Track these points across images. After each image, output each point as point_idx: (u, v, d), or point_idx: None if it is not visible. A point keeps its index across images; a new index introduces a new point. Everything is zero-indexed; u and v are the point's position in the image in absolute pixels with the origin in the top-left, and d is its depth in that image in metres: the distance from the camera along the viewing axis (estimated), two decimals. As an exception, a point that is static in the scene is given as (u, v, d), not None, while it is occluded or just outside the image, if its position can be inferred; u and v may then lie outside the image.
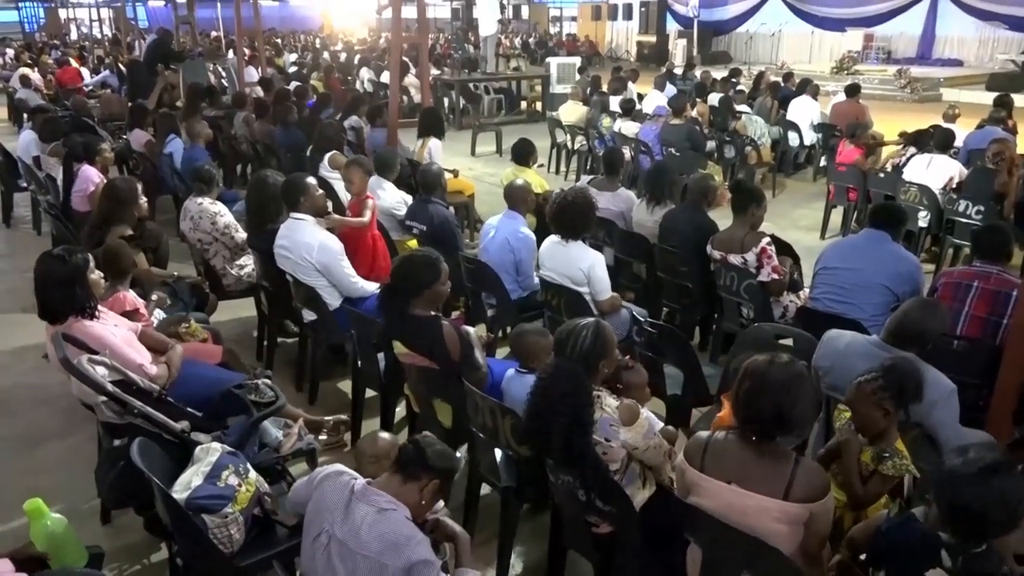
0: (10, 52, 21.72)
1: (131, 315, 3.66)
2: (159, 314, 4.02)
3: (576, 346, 2.62)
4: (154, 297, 4.04)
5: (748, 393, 2.22)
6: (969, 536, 1.92)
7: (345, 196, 6.60)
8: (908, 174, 6.61)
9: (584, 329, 2.64)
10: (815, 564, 2.25)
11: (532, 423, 2.61)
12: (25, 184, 8.00)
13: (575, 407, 2.50)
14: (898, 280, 3.78)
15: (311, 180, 4.58)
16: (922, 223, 6.39)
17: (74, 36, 29.34)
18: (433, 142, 7.27)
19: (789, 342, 3.43)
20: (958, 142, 7.38)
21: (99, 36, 25.75)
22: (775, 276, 4.20)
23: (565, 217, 4.15)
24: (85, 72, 15.54)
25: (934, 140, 6.79)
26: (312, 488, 2.29)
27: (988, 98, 11.39)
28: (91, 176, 6.13)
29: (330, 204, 6.01)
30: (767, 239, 4.25)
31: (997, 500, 1.85)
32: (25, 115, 11.75)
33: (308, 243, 4.32)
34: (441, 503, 2.57)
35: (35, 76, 13.71)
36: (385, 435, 2.83)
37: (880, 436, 2.51)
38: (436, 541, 2.31)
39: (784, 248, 4.60)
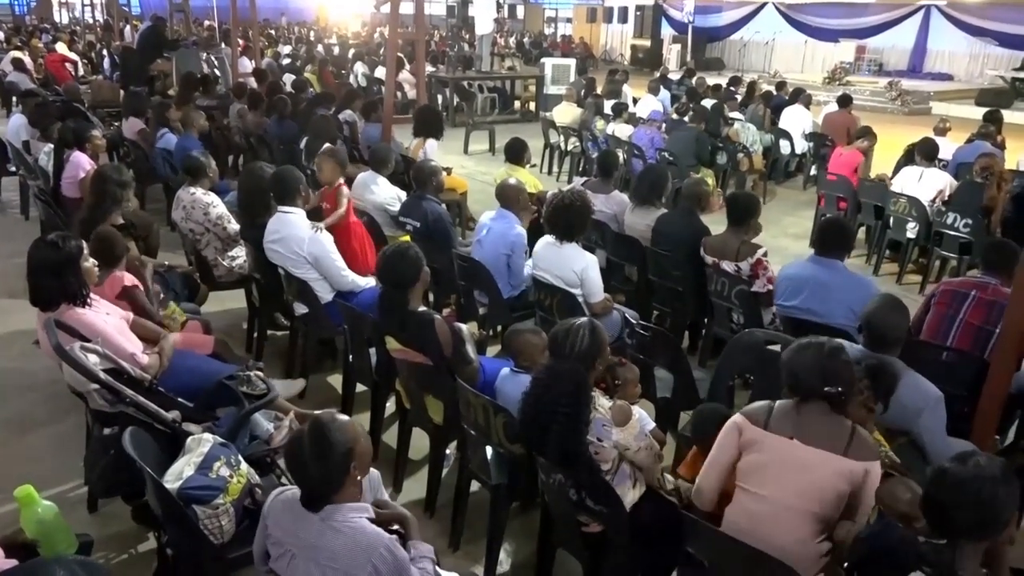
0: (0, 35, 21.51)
1: (132, 291, 3.64)
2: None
3: (575, 345, 2.64)
4: None
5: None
6: (935, 528, 1.95)
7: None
8: (898, 185, 6.67)
9: (581, 329, 2.66)
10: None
11: (529, 423, 2.62)
12: (14, 168, 7.93)
13: (575, 407, 2.52)
14: (860, 308, 3.75)
15: (300, 175, 4.57)
16: (910, 234, 6.46)
17: (65, 20, 29.03)
18: (429, 142, 7.21)
19: (778, 348, 3.46)
20: (948, 155, 7.47)
21: (90, 21, 25.48)
22: (770, 287, 4.23)
23: (562, 219, 4.16)
24: (74, 57, 15.37)
25: (918, 150, 6.84)
26: (265, 518, 2.23)
27: (977, 113, 11.53)
28: (82, 162, 6.09)
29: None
30: (763, 251, 4.28)
31: (970, 501, 1.87)
32: (15, 98, 11.66)
33: (299, 236, 4.31)
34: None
35: (28, 60, 13.51)
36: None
37: None
38: (385, 526, 2.24)
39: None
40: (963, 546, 1.91)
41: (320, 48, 20.02)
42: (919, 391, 2.90)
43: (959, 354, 3.53)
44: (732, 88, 12.47)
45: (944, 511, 1.92)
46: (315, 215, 4.74)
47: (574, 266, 4.15)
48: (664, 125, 9.22)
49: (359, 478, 2.15)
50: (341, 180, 5.19)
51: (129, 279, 3.74)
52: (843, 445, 2.29)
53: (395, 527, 2.33)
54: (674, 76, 15.87)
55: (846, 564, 2.27)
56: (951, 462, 1.96)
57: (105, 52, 16.69)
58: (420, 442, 3.70)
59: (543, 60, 16.40)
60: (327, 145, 6.72)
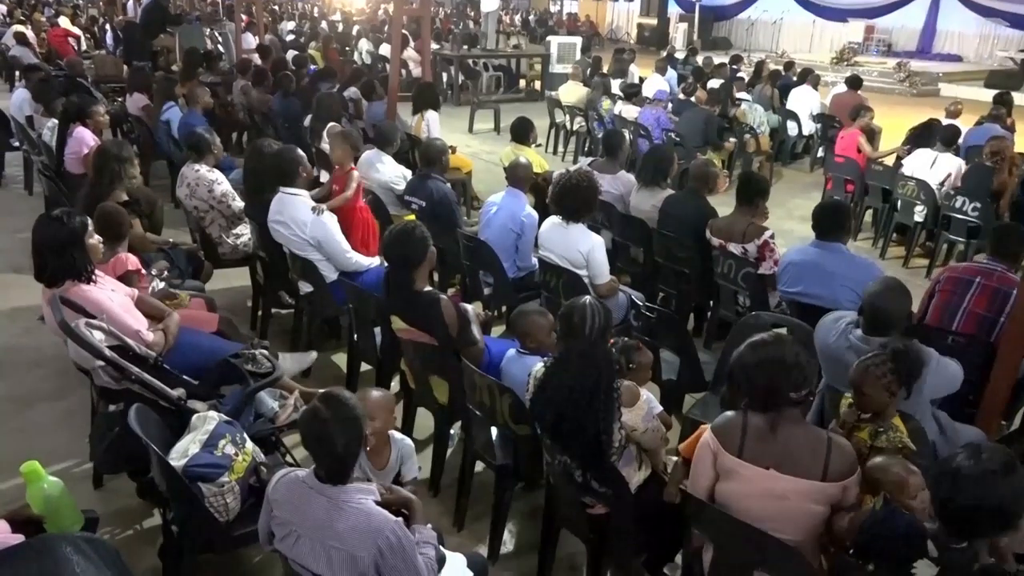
0: (2, 8, 21.33)
1: (132, 275, 3.63)
2: (158, 284, 3.99)
3: (594, 324, 2.58)
4: (154, 271, 4.00)
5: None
6: (955, 532, 1.94)
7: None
8: (909, 169, 6.61)
9: (590, 308, 2.59)
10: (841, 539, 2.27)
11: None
12: (17, 143, 7.89)
13: (610, 396, 2.51)
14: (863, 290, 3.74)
15: (302, 154, 4.54)
16: (918, 218, 6.42)
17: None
18: (430, 115, 7.24)
19: (784, 331, 3.45)
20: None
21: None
22: (776, 270, 4.20)
23: (569, 199, 4.13)
24: (77, 31, 15.24)
25: (940, 136, 6.76)
26: (269, 500, 2.22)
27: (986, 95, 11.41)
28: (85, 138, 6.04)
29: (325, 176, 5.98)
30: (770, 233, 4.25)
31: (995, 505, 1.86)
32: (17, 73, 11.58)
33: (301, 219, 4.28)
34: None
35: (31, 34, 13.41)
36: (375, 392, 2.76)
37: (880, 414, 2.56)
38: (390, 509, 2.23)
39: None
40: (980, 544, 1.92)
41: (324, 25, 19.86)
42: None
43: (966, 338, 3.50)
44: (734, 67, 12.33)
45: (966, 515, 1.90)
46: (325, 199, 4.75)
47: (580, 247, 4.13)
48: (670, 105, 9.14)
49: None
50: (352, 164, 5.16)
51: (133, 263, 3.72)
52: (822, 464, 2.20)
53: (400, 509, 2.33)
54: (681, 56, 15.71)
55: (851, 550, 2.27)
56: (962, 461, 1.91)
57: (108, 27, 16.58)
58: (425, 422, 3.70)
59: (549, 38, 16.26)
60: (331, 124, 6.72)
